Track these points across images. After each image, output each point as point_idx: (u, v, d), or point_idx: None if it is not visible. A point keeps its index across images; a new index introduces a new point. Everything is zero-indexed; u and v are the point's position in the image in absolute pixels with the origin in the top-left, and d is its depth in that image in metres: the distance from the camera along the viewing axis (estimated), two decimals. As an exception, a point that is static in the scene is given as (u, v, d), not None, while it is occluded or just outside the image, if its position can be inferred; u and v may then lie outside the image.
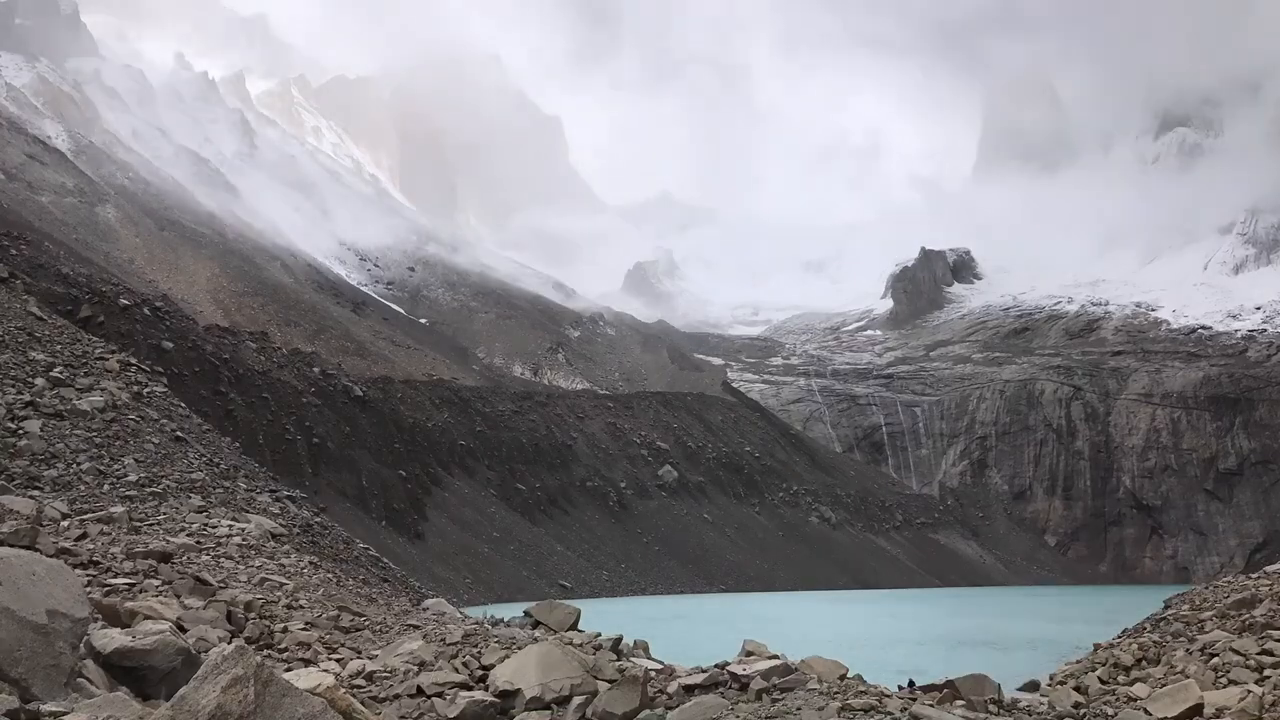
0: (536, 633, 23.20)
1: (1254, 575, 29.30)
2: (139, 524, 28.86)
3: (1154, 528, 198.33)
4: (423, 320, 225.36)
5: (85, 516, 27.73)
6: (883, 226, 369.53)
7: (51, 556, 16.06)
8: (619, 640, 18.59)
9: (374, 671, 15.57)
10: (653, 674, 15.31)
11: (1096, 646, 26.03)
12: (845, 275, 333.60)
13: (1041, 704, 17.51)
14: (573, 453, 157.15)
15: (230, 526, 31.42)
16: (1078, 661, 24.71)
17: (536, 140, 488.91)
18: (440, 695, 14.22)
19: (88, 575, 20.95)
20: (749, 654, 16.85)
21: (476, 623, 26.60)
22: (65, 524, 25.99)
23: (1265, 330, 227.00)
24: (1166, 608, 29.99)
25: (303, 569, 30.36)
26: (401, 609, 31.32)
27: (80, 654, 10.54)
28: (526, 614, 27.33)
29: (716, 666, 15.51)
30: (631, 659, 16.78)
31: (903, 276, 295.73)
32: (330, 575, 32.76)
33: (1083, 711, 17.41)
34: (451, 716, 13.22)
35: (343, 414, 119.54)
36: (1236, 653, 19.41)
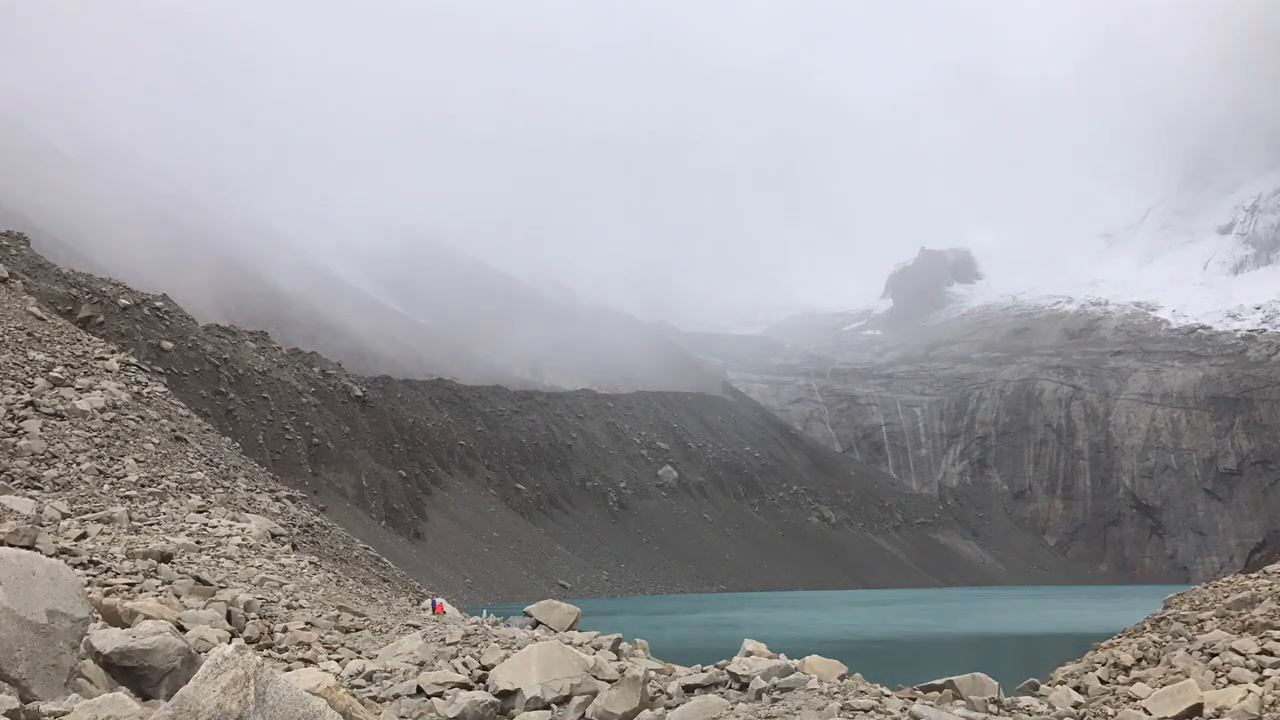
0: (536, 633, 23.20)
1: (1254, 575, 29.24)
2: (139, 524, 28.84)
3: (1154, 528, 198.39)
4: (423, 320, 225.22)
5: (85, 516, 27.71)
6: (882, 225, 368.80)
7: (51, 556, 16.04)
8: (619, 640, 18.57)
9: (374, 671, 15.55)
10: (653, 674, 15.29)
11: (1096, 646, 25.98)
12: (845, 275, 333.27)
13: (1041, 704, 17.50)
14: (572, 453, 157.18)
15: (230, 526, 31.40)
16: (1078, 661, 24.66)
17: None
18: (440, 695, 14.20)
19: (88, 575, 20.94)
20: (749, 654, 16.84)
21: (476, 622, 26.60)
22: (65, 524, 25.97)
23: (1265, 330, 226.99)
24: (1166, 608, 29.92)
25: (303, 569, 30.35)
26: (401, 609, 31.34)
27: (80, 654, 10.52)
28: (526, 614, 27.34)
29: (716, 666, 15.49)
30: (631, 659, 16.76)
31: (903, 276, 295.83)
32: (330, 575, 32.76)
33: (1083, 711, 17.39)
34: (451, 716, 13.20)
35: (343, 414, 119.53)
36: (1236, 653, 19.38)
